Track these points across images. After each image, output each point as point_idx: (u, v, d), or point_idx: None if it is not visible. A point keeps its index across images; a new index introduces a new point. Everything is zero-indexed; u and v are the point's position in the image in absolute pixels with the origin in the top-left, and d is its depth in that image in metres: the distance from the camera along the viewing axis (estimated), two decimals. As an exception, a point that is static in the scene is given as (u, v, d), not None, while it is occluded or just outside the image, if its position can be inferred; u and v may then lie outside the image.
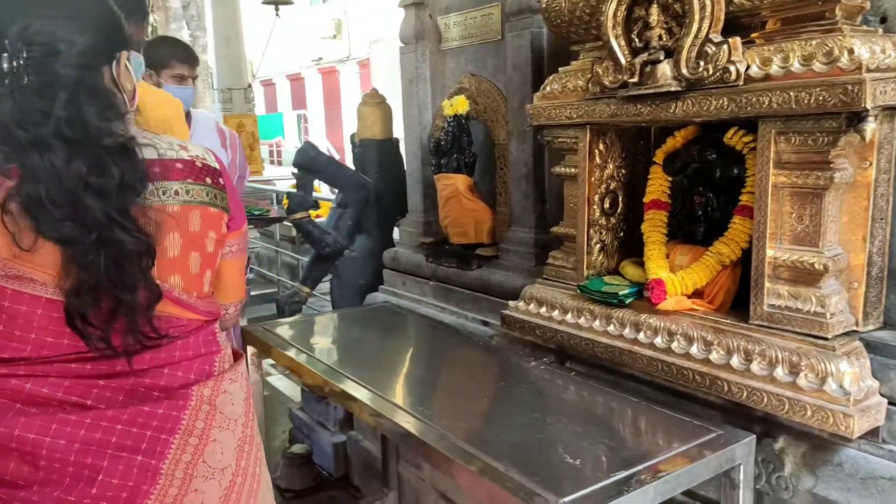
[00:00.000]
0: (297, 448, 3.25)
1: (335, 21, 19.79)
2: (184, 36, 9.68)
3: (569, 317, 1.89)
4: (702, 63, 1.49)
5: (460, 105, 2.48)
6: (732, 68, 1.44)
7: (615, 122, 1.76)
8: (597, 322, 1.81)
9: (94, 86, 1.09)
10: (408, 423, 1.55)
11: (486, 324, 2.39)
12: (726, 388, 1.49)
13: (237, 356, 1.34)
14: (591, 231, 1.91)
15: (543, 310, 1.97)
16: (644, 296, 1.73)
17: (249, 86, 10.37)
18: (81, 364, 1.10)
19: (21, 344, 1.07)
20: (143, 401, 1.13)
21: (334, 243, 3.27)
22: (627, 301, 1.77)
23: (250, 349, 2.30)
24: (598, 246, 1.94)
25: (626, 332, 1.73)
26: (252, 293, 6.08)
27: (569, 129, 1.89)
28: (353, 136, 3.42)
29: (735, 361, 1.50)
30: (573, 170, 1.93)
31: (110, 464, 1.08)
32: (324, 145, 16.33)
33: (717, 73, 1.47)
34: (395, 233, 3.28)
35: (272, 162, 17.26)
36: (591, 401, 1.65)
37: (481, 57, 2.49)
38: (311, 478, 3.21)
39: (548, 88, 1.94)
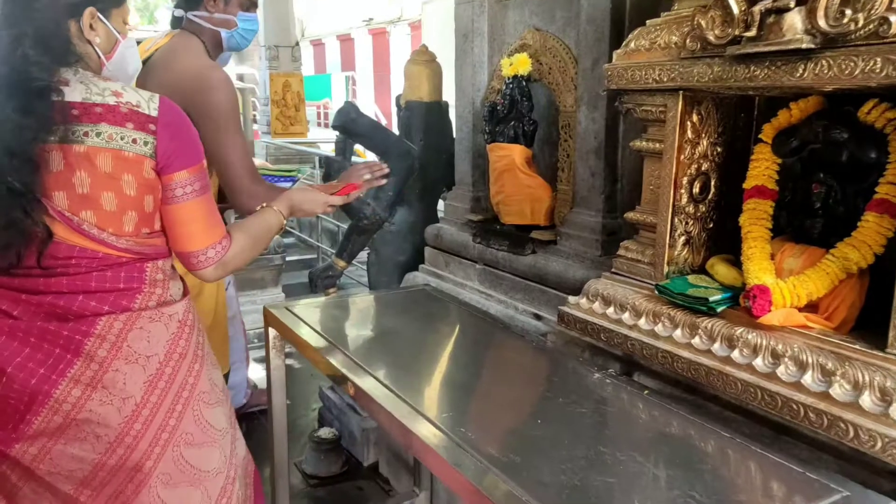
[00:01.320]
0: (325, 432, 3.03)
1: (388, -20, 19.27)
2: (232, -10, 9.42)
3: (642, 322, 1.57)
4: (848, 13, 1.14)
5: (521, 64, 2.16)
6: (893, 18, 1.09)
7: (718, 87, 1.42)
8: (678, 332, 1.49)
9: (46, 35, 1.23)
10: (444, 447, 1.27)
11: (538, 318, 2.09)
12: (852, 433, 1.16)
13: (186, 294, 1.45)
14: (676, 220, 1.59)
15: (611, 310, 1.66)
16: (741, 304, 1.40)
17: (297, 44, 10.09)
18: (10, 278, 1.26)
19: None
20: (54, 319, 1.27)
21: (373, 215, 2.98)
22: (719, 309, 1.45)
23: (272, 331, 2.06)
24: (683, 238, 1.61)
25: (716, 347, 1.41)
26: (290, 258, 5.92)
27: (656, 94, 1.56)
28: (398, 98, 3.12)
29: (866, 401, 1.17)
30: (658, 145, 1.60)
31: (14, 371, 1.23)
32: (371, 110, 16.04)
33: (870, 27, 1.12)
34: (440, 205, 3.00)
35: (319, 124, 17.03)
36: (671, 432, 1.34)
37: (548, 9, 2.15)
38: (339, 464, 2.98)
39: (632, 45, 1.61)
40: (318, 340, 1.83)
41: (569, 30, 2.07)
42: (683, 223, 1.61)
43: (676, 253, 1.62)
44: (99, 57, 1.33)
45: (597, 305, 1.71)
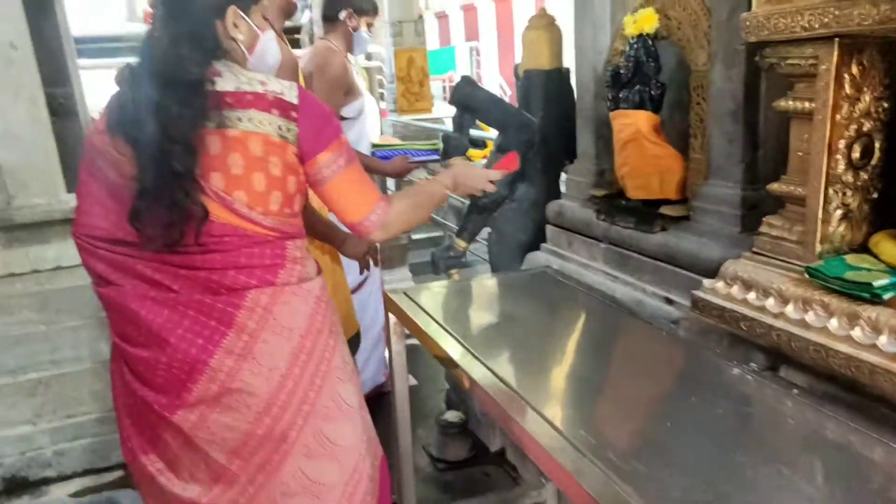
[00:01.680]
0: (451, 415, 2.99)
1: (512, -55, 18.79)
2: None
3: (790, 309, 1.38)
4: None
5: (647, 21, 1.96)
6: None
7: (884, 31, 1.19)
8: (834, 321, 1.29)
9: (198, 34, 1.34)
10: (561, 451, 1.17)
11: (669, 302, 1.91)
12: None
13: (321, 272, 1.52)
14: (831, 191, 1.37)
15: (752, 295, 1.47)
16: (915, 291, 1.18)
17: (420, 17, 10.06)
18: (171, 255, 1.35)
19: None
20: (209, 293, 1.36)
21: (492, 192, 2.88)
22: (886, 296, 1.23)
23: (392, 317, 2.02)
24: (840, 212, 1.39)
25: (883, 340, 1.20)
26: (417, 237, 5.94)
27: (805, 45, 1.34)
28: (516, 68, 2.97)
29: None
30: (807, 104, 1.38)
31: (176, 341, 1.34)
32: (495, 81, 15.80)
33: None
34: (563, 178, 2.84)
35: (444, 98, 17.07)
36: (826, 440, 1.16)
37: (676, -43, 1.93)
38: (466, 449, 2.94)
39: (774, -11, 1.39)
40: (434, 328, 1.79)
41: (700, -22, 1.85)
42: (840, 194, 1.39)
43: (831, 229, 1.40)
44: (243, 51, 1.44)
45: (736, 290, 1.52)
